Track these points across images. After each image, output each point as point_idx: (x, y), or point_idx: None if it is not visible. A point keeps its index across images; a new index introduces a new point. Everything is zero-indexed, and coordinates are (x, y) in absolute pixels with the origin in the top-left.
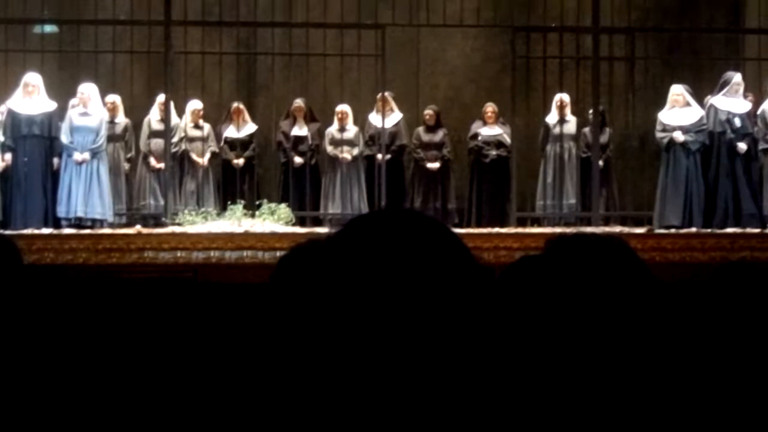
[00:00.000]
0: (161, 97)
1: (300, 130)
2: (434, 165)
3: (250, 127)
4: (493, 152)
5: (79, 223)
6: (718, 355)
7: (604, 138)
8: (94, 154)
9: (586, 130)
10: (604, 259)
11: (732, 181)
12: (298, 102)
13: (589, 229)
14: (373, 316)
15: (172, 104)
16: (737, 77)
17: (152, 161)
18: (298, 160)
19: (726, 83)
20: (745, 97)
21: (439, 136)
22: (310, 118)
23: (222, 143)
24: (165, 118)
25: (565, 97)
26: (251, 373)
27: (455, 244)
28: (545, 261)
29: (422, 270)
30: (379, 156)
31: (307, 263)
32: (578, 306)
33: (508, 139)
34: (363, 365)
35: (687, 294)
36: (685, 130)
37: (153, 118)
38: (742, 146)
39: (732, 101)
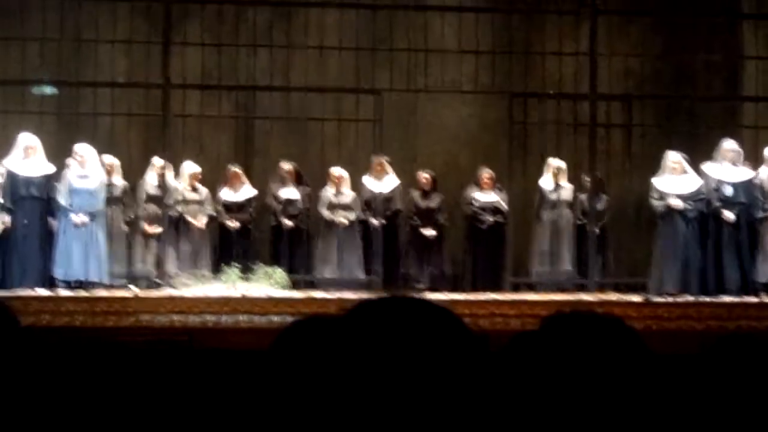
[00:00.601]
0: (157, 160)
1: (290, 192)
2: (430, 232)
3: (247, 190)
4: (490, 218)
5: (77, 285)
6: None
7: (600, 205)
8: (93, 216)
9: (583, 196)
10: (601, 337)
11: (717, 250)
12: (287, 165)
13: (584, 296)
14: (373, 394)
15: (170, 167)
16: (726, 143)
17: (145, 226)
18: (288, 222)
19: (721, 152)
20: (744, 165)
21: (435, 201)
22: (299, 181)
23: (219, 206)
24: (162, 182)
25: (561, 163)
26: None
27: (455, 330)
28: (541, 339)
29: (423, 356)
30: (374, 221)
31: (309, 339)
32: (573, 384)
33: (504, 206)
34: None
35: (686, 370)
36: (682, 197)
37: (149, 182)
38: (729, 215)
39: (724, 169)
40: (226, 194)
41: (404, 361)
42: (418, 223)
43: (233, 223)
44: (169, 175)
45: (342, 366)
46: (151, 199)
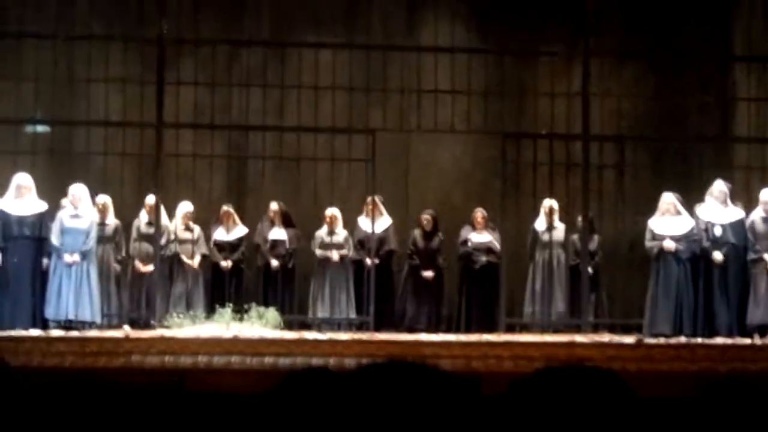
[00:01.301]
0: (149, 199)
1: (277, 233)
2: (429, 274)
3: (239, 230)
4: (483, 258)
5: (68, 325)
6: None
7: (592, 245)
8: (84, 256)
9: (575, 237)
10: (592, 391)
11: (707, 291)
12: (274, 206)
13: (578, 337)
14: None
15: (162, 206)
16: (716, 183)
17: (138, 265)
18: (274, 262)
19: (710, 191)
20: (735, 204)
21: (435, 243)
22: (286, 222)
23: (211, 245)
24: (155, 220)
25: (554, 203)
26: None
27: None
28: (534, 390)
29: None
30: (368, 261)
31: (309, 391)
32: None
33: (497, 245)
34: None
35: (679, 413)
36: (675, 239)
37: (142, 221)
38: (717, 256)
39: (715, 210)
40: (219, 234)
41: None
42: (417, 263)
43: (225, 263)
44: (163, 214)
45: (337, 422)
46: (142, 237)
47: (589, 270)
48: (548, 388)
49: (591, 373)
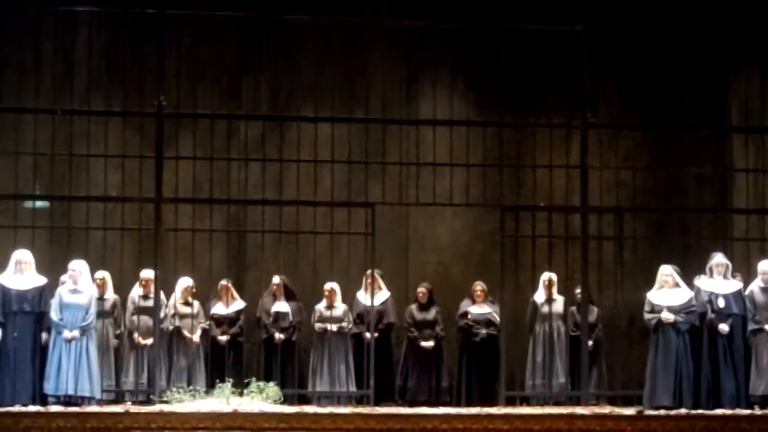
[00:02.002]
0: (144, 273)
1: (280, 306)
2: (428, 344)
3: (237, 304)
4: (483, 331)
5: (67, 400)
6: None
7: (591, 317)
8: (84, 331)
9: (574, 309)
10: None
11: (713, 362)
12: (276, 279)
13: (578, 410)
14: None
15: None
16: (717, 257)
17: (137, 338)
18: (279, 335)
19: (711, 263)
20: (734, 276)
21: (432, 314)
22: (288, 295)
23: (209, 320)
24: (155, 294)
25: (553, 275)
26: None
27: None
28: None
29: None
30: (368, 334)
31: None
32: None
33: (497, 318)
34: None
35: None
36: (674, 310)
37: (136, 295)
38: (723, 327)
39: (716, 282)
40: (218, 308)
41: None
42: (416, 335)
43: (223, 337)
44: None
45: None
46: (139, 310)
47: (590, 342)
48: None
49: None
